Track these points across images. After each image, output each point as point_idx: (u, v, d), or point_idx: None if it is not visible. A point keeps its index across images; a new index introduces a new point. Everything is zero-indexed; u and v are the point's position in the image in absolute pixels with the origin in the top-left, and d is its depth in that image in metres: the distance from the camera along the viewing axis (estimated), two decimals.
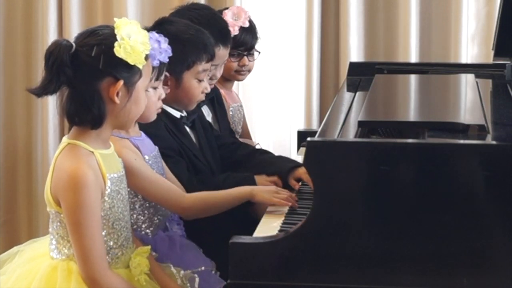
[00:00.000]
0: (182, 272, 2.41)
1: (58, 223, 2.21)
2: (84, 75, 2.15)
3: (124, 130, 2.37)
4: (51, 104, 4.01)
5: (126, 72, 2.17)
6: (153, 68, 2.34)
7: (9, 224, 4.16)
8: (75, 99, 2.16)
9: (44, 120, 4.04)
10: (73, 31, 3.94)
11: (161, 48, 2.30)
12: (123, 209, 2.26)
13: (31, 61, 4.06)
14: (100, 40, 2.15)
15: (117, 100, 2.17)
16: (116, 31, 2.14)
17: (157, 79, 2.41)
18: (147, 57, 2.19)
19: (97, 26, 2.23)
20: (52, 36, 3.97)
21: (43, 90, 2.14)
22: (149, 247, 2.32)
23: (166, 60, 2.32)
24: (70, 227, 2.16)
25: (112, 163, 2.24)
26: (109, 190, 2.21)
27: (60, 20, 4.00)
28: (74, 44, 2.15)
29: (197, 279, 2.42)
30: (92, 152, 2.19)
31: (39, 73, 4.02)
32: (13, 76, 4.09)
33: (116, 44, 2.13)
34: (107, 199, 2.20)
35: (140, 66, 2.17)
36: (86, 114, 2.16)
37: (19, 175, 4.14)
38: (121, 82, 2.16)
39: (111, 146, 2.27)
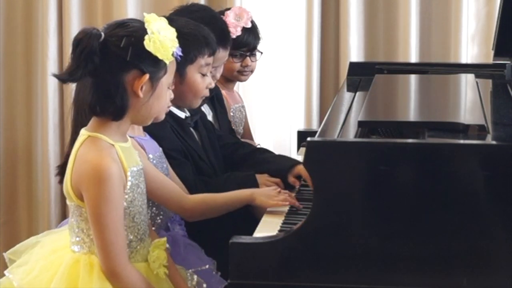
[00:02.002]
0: (195, 277, 2.41)
1: (79, 217, 2.20)
2: (110, 65, 2.15)
3: (142, 125, 2.38)
4: (51, 104, 4.02)
5: (153, 66, 2.17)
6: None
7: (9, 224, 4.16)
8: (98, 89, 2.16)
9: (44, 120, 4.04)
10: (73, 31, 3.94)
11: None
12: (142, 202, 2.26)
13: (31, 61, 4.06)
14: (130, 32, 2.16)
15: (141, 94, 2.18)
16: (146, 25, 2.15)
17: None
18: (173, 54, 2.20)
19: (126, 19, 2.25)
20: (52, 36, 3.98)
21: (69, 77, 2.15)
22: (165, 238, 2.31)
23: (180, 56, 2.32)
24: (93, 220, 2.15)
25: (131, 156, 2.24)
26: (130, 183, 2.20)
27: (60, 20, 4.00)
28: (103, 34, 2.15)
29: (204, 285, 2.42)
30: (113, 145, 2.19)
31: (39, 73, 4.03)
32: (13, 76, 4.09)
33: (146, 37, 2.14)
34: (128, 192, 2.20)
35: (167, 62, 2.18)
36: (108, 104, 2.17)
37: (19, 175, 4.14)
38: (147, 76, 2.17)
39: (128, 140, 2.27)
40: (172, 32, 2.19)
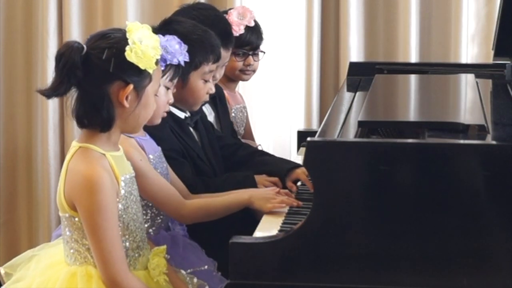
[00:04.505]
0: (195, 279, 2.41)
1: (72, 227, 2.20)
2: (94, 78, 2.15)
3: (132, 134, 2.37)
4: (51, 104, 4.02)
5: (136, 76, 2.17)
6: (170, 67, 2.36)
7: (9, 224, 4.16)
8: (84, 101, 2.16)
9: (44, 120, 4.04)
10: (73, 31, 3.95)
11: (182, 50, 2.30)
12: (136, 210, 2.26)
13: (31, 61, 4.06)
14: (111, 43, 2.15)
15: (126, 104, 2.17)
16: (127, 35, 2.14)
17: (172, 79, 2.41)
18: (157, 62, 2.20)
19: (109, 29, 2.23)
20: (52, 36, 3.98)
21: (53, 92, 2.14)
22: (164, 246, 2.31)
23: (184, 61, 2.31)
24: (89, 231, 2.15)
25: (123, 164, 2.24)
26: (123, 191, 2.20)
27: (60, 20, 4.00)
28: (85, 47, 2.15)
29: (206, 287, 2.42)
30: (104, 155, 2.18)
31: (38, 73, 4.03)
32: (13, 76, 4.09)
33: (127, 48, 2.13)
34: (121, 200, 2.20)
35: (151, 71, 2.18)
36: (95, 117, 2.16)
37: (19, 175, 4.14)
38: (131, 86, 2.16)
39: (120, 149, 2.27)
40: (155, 40, 2.17)
